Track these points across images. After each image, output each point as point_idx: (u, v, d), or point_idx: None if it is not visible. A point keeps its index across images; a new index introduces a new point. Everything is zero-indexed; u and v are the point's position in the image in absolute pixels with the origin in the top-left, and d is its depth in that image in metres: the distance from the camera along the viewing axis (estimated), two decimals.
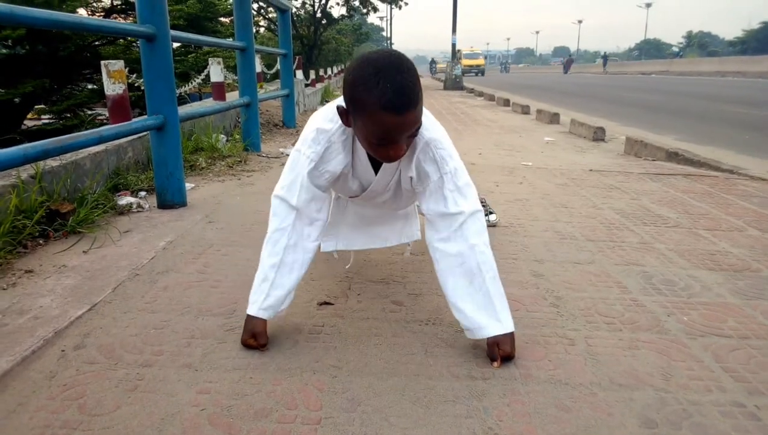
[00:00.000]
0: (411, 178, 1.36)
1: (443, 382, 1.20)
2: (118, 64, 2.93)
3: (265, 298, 1.32)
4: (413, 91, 1.11)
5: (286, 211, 1.34)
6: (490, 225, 2.22)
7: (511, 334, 1.28)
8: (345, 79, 1.18)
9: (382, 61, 1.12)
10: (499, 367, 1.25)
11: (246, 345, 1.32)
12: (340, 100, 1.25)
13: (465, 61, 29.05)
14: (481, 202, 1.44)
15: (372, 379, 1.21)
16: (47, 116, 9.63)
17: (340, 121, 1.29)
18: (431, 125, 1.33)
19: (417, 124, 1.17)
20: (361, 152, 1.34)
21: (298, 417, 1.08)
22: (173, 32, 2.58)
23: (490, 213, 2.34)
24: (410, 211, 1.75)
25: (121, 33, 2.22)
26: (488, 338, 1.28)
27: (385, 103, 1.09)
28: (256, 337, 1.31)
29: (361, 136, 1.21)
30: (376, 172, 1.39)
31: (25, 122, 9.49)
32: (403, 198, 1.49)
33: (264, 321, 1.33)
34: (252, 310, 1.32)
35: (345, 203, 1.68)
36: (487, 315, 1.27)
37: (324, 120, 1.33)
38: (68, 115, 9.22)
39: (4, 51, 9.03)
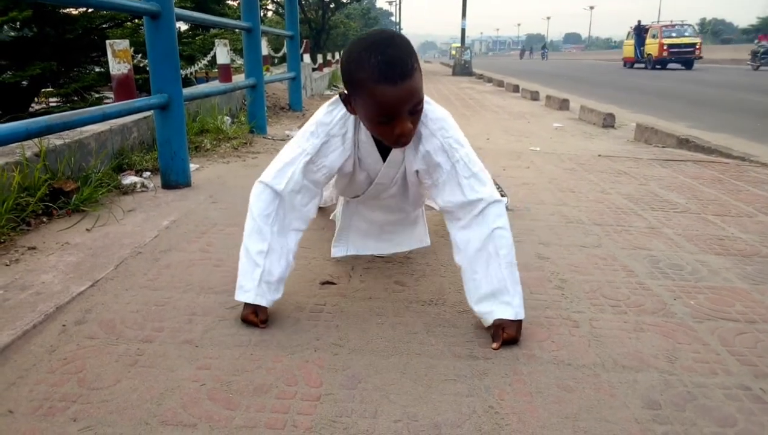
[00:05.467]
0: (417, 171, 1.33)
1: (444, 361, 1.19)
2: (123, 44, 2.92)
3: (258, 284, 1.29)
4: (405, 62, 1.12)
5: (270, 197, 1.31)
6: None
7: (519, 320, 1.26)
8: (341, 65, 1.19)
9: (372, 38, 1.16)
10: (498, 349, 1.23)
11: (246, 320, 1.31)
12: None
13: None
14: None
15: (373, 358, 1.20)
16: (55, 99, 9.66)
17: (340, 113, 1.28)
18: (434, 111, 1.30)
19: (416, 96, 1.15)
20: (368, 141, 1.32)
21: (298, 393, 1.07)
22: (178, 10, 2.55)
23: (503, 195, 2.30)
24: (419, 215, 1.73)
25: (125, 9, 2.19)
26: (494, 320, 1.27)
27: (379, 76, 1.10)
28: (256, 312, 1.30)
29: (365, 118, 1.20)
30: (384, 161, 1.37)
31: (33, 105, 9.51)
32: (411, 193, 1.46)
33: None
34: (249, 297, 1.29)
35: (354, 207, 1.64)
36: (498, 300, 1.26)
37: (324, 113, 1.31)
38: (75, 99, 9.23)
39: (12, 33, 9.04)
